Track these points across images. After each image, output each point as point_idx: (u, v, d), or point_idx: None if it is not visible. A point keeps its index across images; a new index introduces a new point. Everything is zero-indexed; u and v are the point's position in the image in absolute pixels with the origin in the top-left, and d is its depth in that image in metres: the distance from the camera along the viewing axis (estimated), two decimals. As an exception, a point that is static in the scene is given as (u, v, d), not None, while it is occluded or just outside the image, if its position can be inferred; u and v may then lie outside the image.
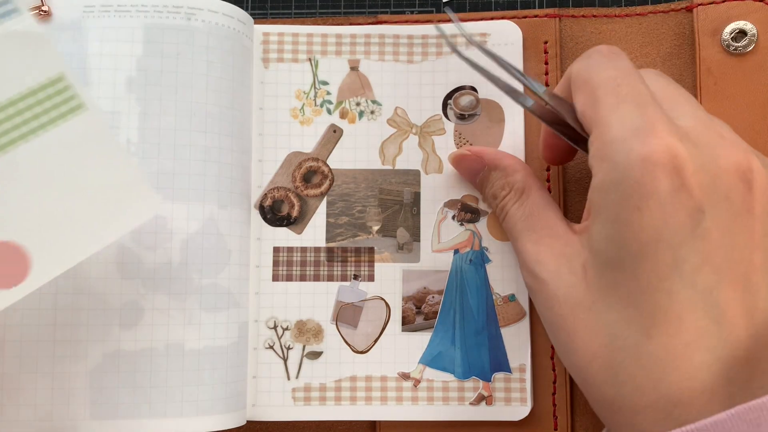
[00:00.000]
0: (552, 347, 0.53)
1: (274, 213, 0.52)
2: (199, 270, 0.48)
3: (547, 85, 0.55)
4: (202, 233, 0.48)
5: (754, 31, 0.49)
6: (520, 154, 0.52)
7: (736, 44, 0.49)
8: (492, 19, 0.55)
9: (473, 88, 0.53)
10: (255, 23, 0.55)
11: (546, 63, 0.55)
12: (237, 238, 0.50)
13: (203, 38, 0.50)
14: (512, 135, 0.52)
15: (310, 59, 0.55)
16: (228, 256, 0.49)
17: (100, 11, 0.49)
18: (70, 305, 0.46)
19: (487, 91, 0.53)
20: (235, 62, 0.50)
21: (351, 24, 0.56)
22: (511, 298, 0.51)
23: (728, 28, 0.50)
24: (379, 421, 0.53)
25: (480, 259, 0.51)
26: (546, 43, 0.54)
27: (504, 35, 0.54)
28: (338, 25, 0.56)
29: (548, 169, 0.54)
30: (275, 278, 0.52)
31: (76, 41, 0.49)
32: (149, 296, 0.47)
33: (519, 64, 0.54)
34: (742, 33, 0.50)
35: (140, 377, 0.45)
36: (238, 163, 0.50)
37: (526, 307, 0.51)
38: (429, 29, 0.55)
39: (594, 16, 0.54)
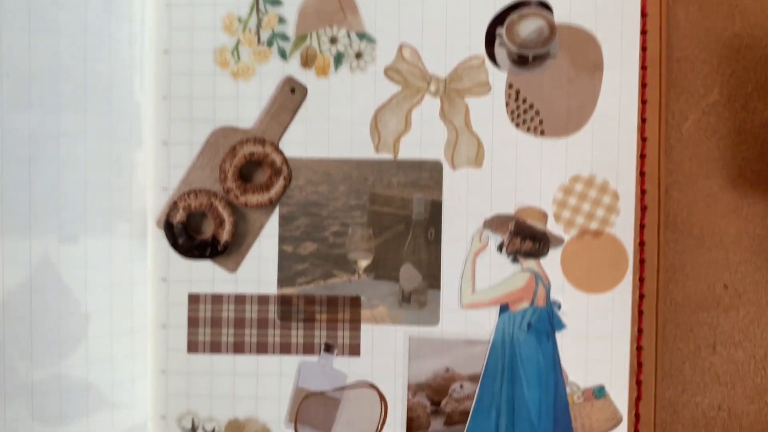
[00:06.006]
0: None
1: (189, 235, 0.39)
2: (27, 357, 0.36)
3: None
4: (28, 288, 0.37)
5: None
6: (633, 127, 0.38)
7: None
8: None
9: (544, 5, 0.39)
10: None
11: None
12: (102, 287, 0.37)
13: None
14: (617, 94, 0.39)
15: (249, -41, 0.41)
16: (84, 324, 0.37)
17: None
18: None
19: (571, 11, 0.39)
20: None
21: None
22: (599, 392, 0.38)
23: None
24: None
25: (547, 322, 0.39)
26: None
27: None
28: None
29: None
30: (192, 348, 0.39)
31: None
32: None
33: None
34: None
35: None
36: (100, 158, 0.38)
37: (622, 407, 0.38)
38: None
39: None
